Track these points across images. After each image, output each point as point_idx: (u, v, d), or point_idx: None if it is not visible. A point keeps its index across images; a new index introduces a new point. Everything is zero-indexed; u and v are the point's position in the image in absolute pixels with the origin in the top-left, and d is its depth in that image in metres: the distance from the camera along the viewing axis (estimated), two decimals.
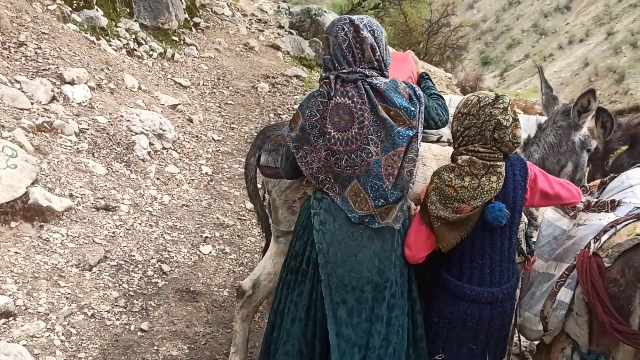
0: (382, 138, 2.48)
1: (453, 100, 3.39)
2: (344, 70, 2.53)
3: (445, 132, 3.09)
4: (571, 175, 3.60)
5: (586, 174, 3.63)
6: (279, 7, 12.07)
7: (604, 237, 2.56)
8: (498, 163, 2.56)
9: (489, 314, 2.63)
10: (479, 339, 2.66)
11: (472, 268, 2.62)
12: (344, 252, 2.53)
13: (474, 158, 2.56)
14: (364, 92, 2.49)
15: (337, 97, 2.51)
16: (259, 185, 3.54)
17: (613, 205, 2.79)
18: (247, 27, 10.20)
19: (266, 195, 3.41)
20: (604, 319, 2.40)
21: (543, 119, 3.69)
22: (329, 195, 2.58)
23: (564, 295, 2.60)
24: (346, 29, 2.53)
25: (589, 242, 2.60)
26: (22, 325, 3.41)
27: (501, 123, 2.54)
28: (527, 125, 3.63)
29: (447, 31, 25.84)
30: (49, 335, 3.43)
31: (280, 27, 10.85)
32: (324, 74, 2.60)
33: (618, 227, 2.55)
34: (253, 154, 3.35)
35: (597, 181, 3.23)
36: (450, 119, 2.75)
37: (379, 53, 2.57)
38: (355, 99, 2.48)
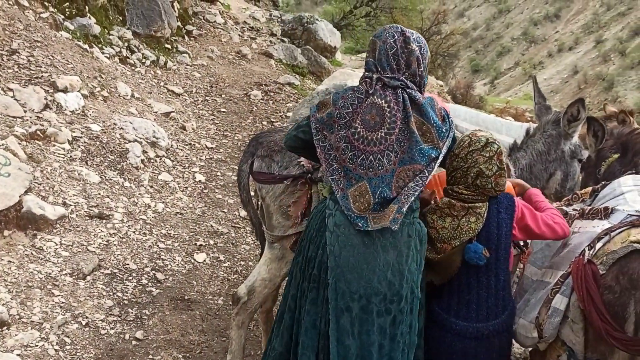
0: (404, 149, 2.48)
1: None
2: (387, 75, 2.54)
3: None
4: (561, 184, 3.64)
5: (579, 183, 3.66)
6: (271, 15, 12.07)
7: (599, 245, 2.58)
8: (477, 204, 2.60)
9: (474, 348, 2.66)
10: None
11: (459, 303, 2.68)
12: (357, 257, 2.49)
13: (453, 201, 2.62)
14: (401, 100, 2.50)
15: (375, 97, 2.52)
16: (252, 192, 3.54)
17: (606, 212, 2.81)
18: (239, 35, 10.21)
19: (259, 201, 3.42)
20: (599, 325, 2.42)
21: None
22: (331, 186, 2.56)
23: (559, 302, 2.61)
24: (396, 37, 2.56)
25: (584, 249, 2.63)
26: (16, 335, 3.38)
27: (483, 172, 2.58)
28: (521, 133, 3.68)
29: (438, 39, 25.93)
30: (43, 345, 3.41)
31: (273, 35, 10.87)
32: (366, 74, 2.61)
33: (612, 234, 2.58)
34: (246, 160, 3.36)
35: (589, 189, 3.26)
36: None
37: (422, 69, 2.59)
38: (391, 105, 2.49)
